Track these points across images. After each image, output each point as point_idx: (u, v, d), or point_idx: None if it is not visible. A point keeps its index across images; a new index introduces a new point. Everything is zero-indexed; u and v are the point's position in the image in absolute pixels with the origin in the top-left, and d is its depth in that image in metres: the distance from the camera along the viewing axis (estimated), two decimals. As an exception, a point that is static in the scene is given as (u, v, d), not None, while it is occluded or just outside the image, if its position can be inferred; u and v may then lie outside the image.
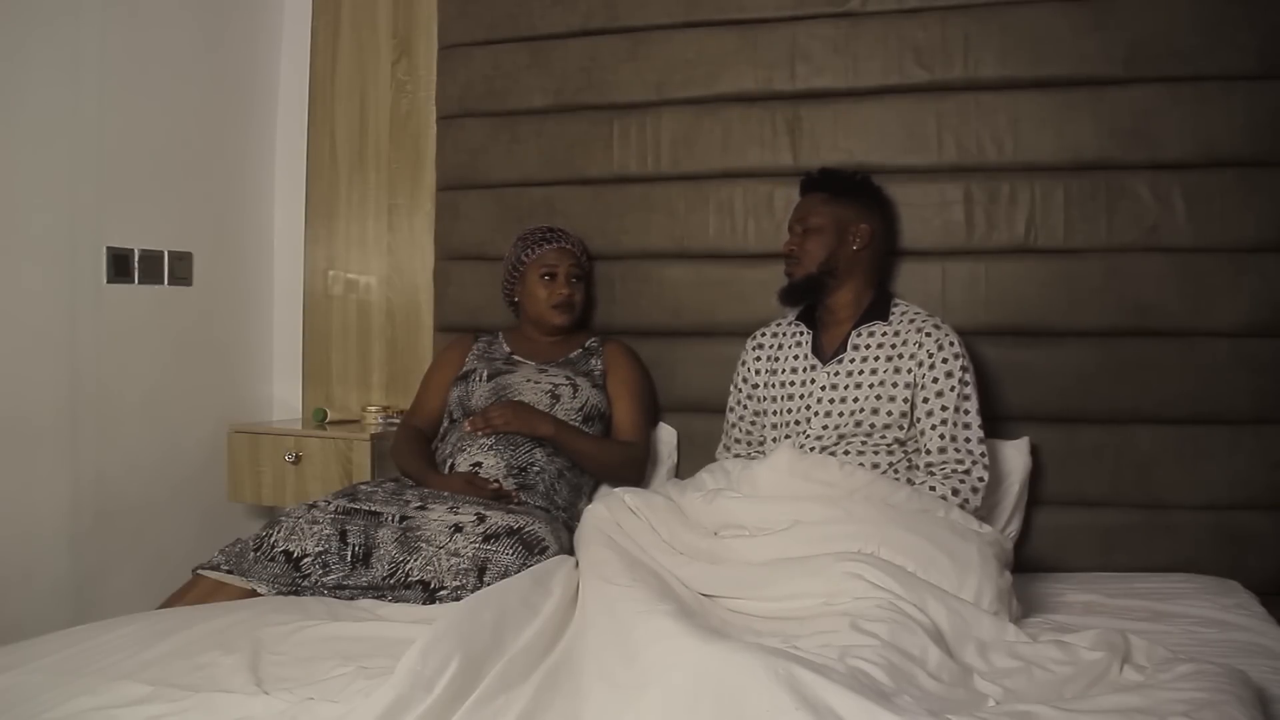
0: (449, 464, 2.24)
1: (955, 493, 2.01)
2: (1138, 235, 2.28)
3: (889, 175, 2.42)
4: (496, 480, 2.17)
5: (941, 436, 2.07)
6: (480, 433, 2.22)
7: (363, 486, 2.14)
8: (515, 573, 1.85)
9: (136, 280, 2.61)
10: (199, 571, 1.93)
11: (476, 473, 2.18)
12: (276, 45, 3.06)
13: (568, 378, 2.35)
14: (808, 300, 2.26)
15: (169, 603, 1.91)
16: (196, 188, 2.81)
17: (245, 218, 3.01)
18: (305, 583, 1.87)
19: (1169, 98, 2.26)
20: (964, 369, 2.11)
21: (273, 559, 1.90)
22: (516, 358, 2.45)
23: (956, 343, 2.12)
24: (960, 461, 2.05)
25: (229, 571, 1.90)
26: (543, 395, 2.31)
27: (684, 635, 1.30)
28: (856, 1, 2.45)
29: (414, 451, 2.33)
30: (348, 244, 3.01)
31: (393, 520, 1.95)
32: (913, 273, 2.41)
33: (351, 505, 1.98)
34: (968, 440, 2.07)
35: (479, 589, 1.81)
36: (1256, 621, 1.82)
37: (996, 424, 2.31)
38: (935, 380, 2.10)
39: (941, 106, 2.39)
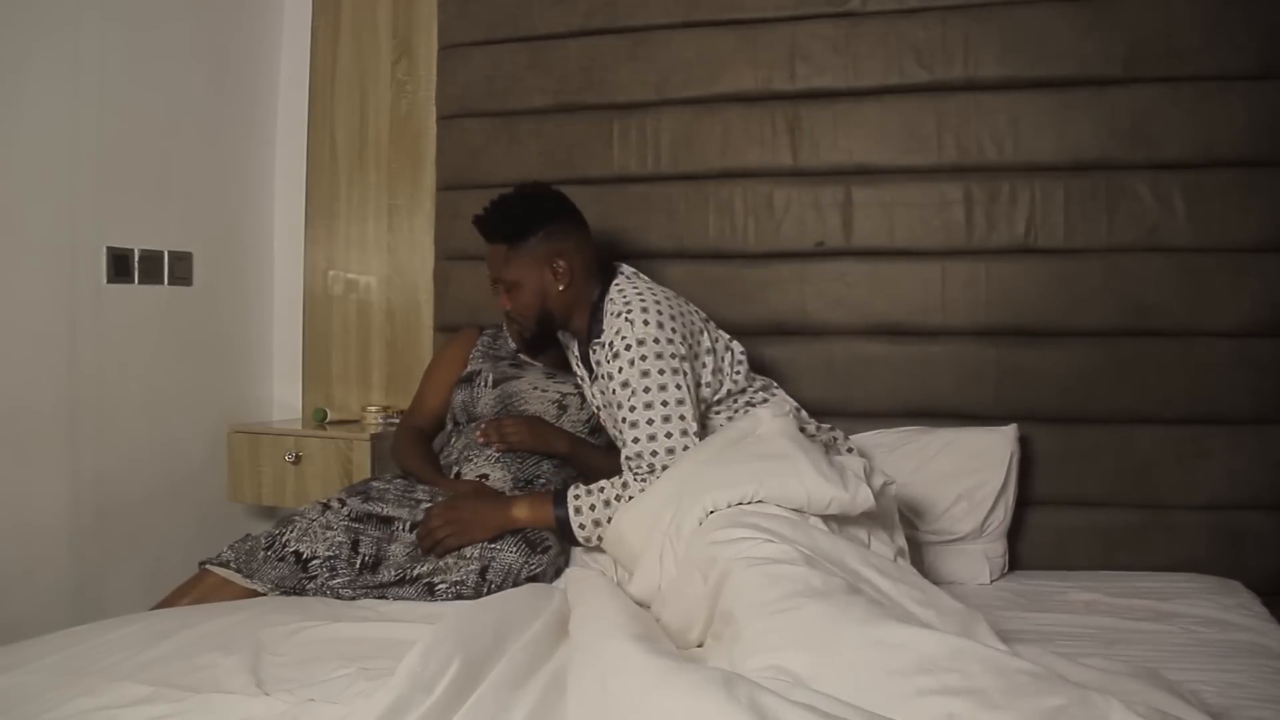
0: (454, 472, 2.20)
1: (628, 484, 1.89)
2: (1138, 235, 2.29)
3: (889, 175, 2.43)
4: (503, 492, 2.15)
5: (626, 454, 1.91)
6: (494, 447, 2.17)
7: (375, 484, 2.11)
8: (518, 571, 1.85)
9: (136, 280, 2.61)
10: (206, 566, 1.93)
11: (484, 483, 2.17)
12: (276, 45, 3.06)
13: (576, 386, 2.31)
14: (552, 344, 2.23)
15: (173, 596, 1.90)
16: (196, 188, 2.81)
17: (245, 218, 3.01)
18: (311, 585, 1.87)
19: (1169, 98, 2.26)
20: (637, 359, 1.89)
21: (282, 559, 1.89)
22: (523, 357, 2.40)
23: (632, 337, 1.91)
24: (647, 474, 1.87)
25: (236, 570, 1.90)
26: (549, 405, 2.27)
27: (646, 661, 1.24)
28: (856, 1, 2.45)
29: (418, 453, 2.29)
30: (348, 244, 3.01)
31: (404, 529, 1.94)
32: (913, 273, 2.41)
33: (365, 508, 1.97)
34: (635, 440, 1.88)
35: (480, 585, 1.82)
36: (1258, 621, 1.82)
37: (997, 424, 2.30)
38: (613, 389, 1.94)
39: (941, 106, 2.39)
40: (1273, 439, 2.23)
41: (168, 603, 1.89)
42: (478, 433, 2.20)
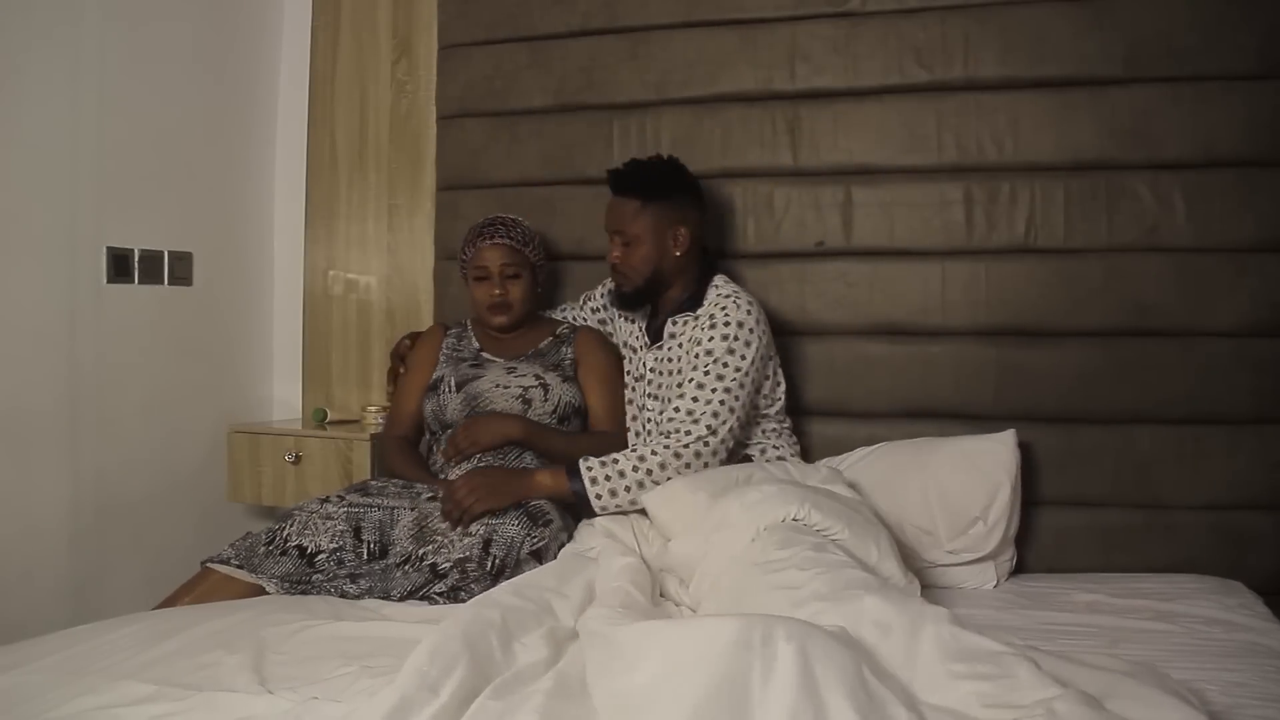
0: (443, 479, 2.21)
1: (654, 452, 2.00)
2: (1138, 235, 2.29)
3: (889, 175, 2.43)
4: None
5: (678, 409, 2.04)
6: (465, 460, 2.18)
7: (373, 483, 2.13)
8: (520, 544, 1.87)
9: (136, 280, 2.61)
10: (208, 565, 1.92)
11: None
12: (276, 45, 3.06)
13: (537, 377, 2.29)
14: (643, 305, 2.29)
15: (176, 595, 1.91)
16: (196, 188, 2.81)
17: (245, 218, 3.00)
18: (319, 578, 1.87)
19: (1169, 98, 2.26)
20: (730, 338, 2.07)
21: (285, 553, 1.90)
22: (485, 355, 2.39)
23: (734, 318, 2.09)
24: (690, 426, 2.01)
25: (239, 566, 1.90)
26: (513, 401, 2.26)
27: (657, 623, 1.36)
28: (856, 1, 2.45)
29: (408, 460, 2.31)
30: (348, 244, 3.01)
31: (406, 512, 1.96)
32: (913, 273, 2.41)
33: (364, 500, 1.99)
34: (694, 400, 2.03)
35: (484, 559, 1.83)
36: (1260, 622, 1.82)
37: (997, 425, 2.29)
38: (697, 355, 2.08)
39: (941, 106, 2.39)
40: (1273, 439, 2.23)
41: (169, 602, 1.89)
42: (440, 454, 2.24)
